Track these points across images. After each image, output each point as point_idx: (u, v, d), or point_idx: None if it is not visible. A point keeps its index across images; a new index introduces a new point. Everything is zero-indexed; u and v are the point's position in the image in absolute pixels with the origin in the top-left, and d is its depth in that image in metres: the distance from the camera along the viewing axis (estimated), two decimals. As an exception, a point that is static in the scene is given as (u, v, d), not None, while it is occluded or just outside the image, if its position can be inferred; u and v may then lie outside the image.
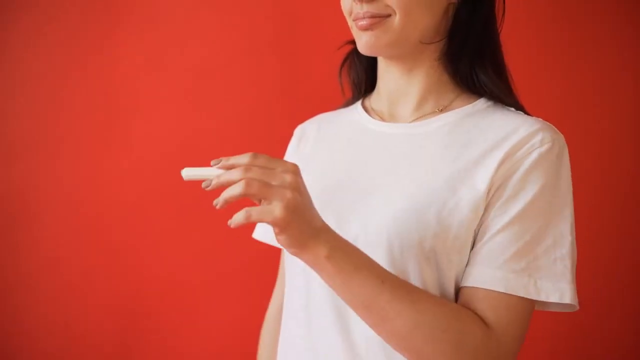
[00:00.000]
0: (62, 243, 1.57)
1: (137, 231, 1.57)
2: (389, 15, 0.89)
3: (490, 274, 0.83)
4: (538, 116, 0.93)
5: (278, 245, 1.11)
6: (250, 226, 1.17)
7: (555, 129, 0.89)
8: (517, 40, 1.52)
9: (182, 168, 0.79)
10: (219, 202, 0.73)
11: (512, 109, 0.95)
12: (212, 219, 1.54)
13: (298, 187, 0.73)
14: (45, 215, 1.57)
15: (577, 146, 1.50)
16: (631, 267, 1.54)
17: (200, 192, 1.53)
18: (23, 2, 1.56)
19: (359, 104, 1.07)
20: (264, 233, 1.15)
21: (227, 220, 1.46)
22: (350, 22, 0.94)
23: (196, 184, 1.53)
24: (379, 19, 0.89)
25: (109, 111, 1.58)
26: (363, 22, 0.90)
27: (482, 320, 0.82)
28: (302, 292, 0.96)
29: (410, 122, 0.97)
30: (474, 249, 0.86)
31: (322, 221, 0.78)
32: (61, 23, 1.57)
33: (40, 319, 1.57)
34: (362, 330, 0.88)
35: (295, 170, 0.75)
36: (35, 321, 1.57)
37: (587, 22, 1.54)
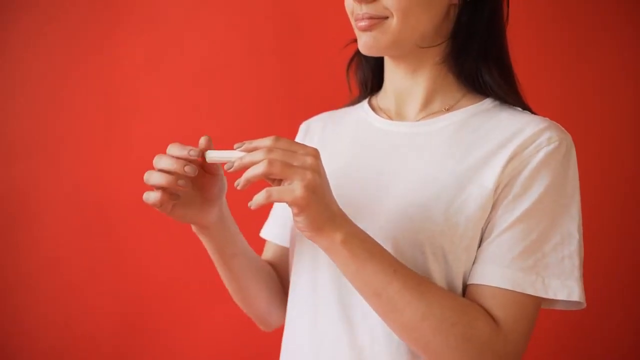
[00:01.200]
0: (62, 243, 1.57)
1: (137, 231, 1.57)
2: (387, 17, 0.90)
3: (498, 272, 0.83)
4: (541, 114, 0.94)
5: (284, 245, 1.11)
6: (252, 227, 1.17)
7: (563, 128, 0.90)
8: (517, 40, 1.53)
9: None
10: (240, 182, 0.75)
11: (519, 108, 0.95)
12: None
13: (318, 170, 0.75)
14: (45, 215, 1.57)
15: (576, 146, 1.51)
16: (632, 267, 1.55)
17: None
18: (23, 2, 1.56)
19: (365, 102, 1.08)
20: (270, 232, 1.15)
21: (234, 216, 1.45)
22: (352, 23, 0.95)
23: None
24: (378, 20, 0.90)
25: (109, 111, 1.58)
26: (362, 23, 0.91)
27: (490, 316, 0.82)
28: (309, 287, 0.96)
29: (416, 121, 0.98)
30: (481, 247, 0.86)
31: (339, 207, 0.80)
32: (61, 23, 1.57)
33: (40, 318, 1.57)
34: (366, 326, 0.89)
35: (315, 154, 0.76)
36: (35, 321, 1.57)
37: (587, 22, 1.55)
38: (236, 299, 1.08)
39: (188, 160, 0.81)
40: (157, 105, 1.59)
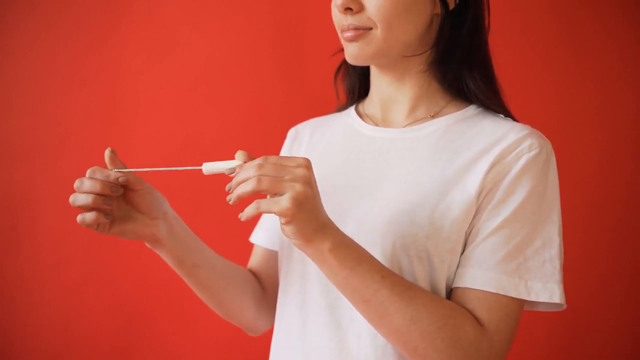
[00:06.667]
0: (62, 243, 1.58)
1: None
2: (371, 28, 0.92)
3: (483, 275, 0.86)
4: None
5: (271, 248, 1.13)
6: (248, 228, 1.19)
7: (543, 135, 0.92)
8: (516, 41, 1.54)
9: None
10: (232, 198, 0.78)
11: (502, 115, 0.97)
12: (212, 222, 1.55)
13: (309, 181, 0.77)
14: (46, 217, 1.58)
15: (576, 147, 1.52)
16: (628, 269, 1.56)
17: (201, 194, 1.55)
18: (23, 3, 1.57)
19: (352, 109, 1.10)
20: (258, 237, 1.17)
21: (227, 223, 1.46)
22: (339, 33, 0.97)
23: (202, 186, 1.53)
24: (362, 31, 0.92)
25: (109, 112, 1.60)
26: (348, 34, 0.93)
27: (476, 319, 0.84)
28: (298, 292, 0.99)
29: (402, 127, 1.00)
30: (466, 251, 0.89)
31: (328, 217, 0.82)
32: (62, 23, 1.58)
33: (40, 319, 1.59)
34: (354, 329, 0.91)
35: (307, 164, 0.78)
36: (35, 322, 1.59)
37: (586, 22, 1.55)
38: (211, 307, 1.09)
39: (109, 182, 0.83)
40: (158, 106, 1.60)
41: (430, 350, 0.82)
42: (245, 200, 0.77)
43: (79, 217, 0.84)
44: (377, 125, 1.03)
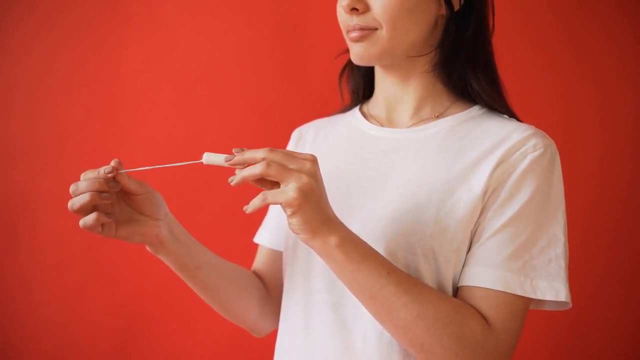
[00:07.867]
0: (62, 244, 1.58)
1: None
2: (376, 29, 0.93)
3: (489, 273, 0.86)
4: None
5: (276, 248, 1.13)
6: (251, 229, 1.19)
7: (547, 135, 0.93)
8: (516, 41, 1.54)
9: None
10: (235, 179, 0.78)
11: (506, 115, 0.98)
12: (212, 222, 1.55)
13: (315, 175, 0.78)
14: (46, 217, 1.58)
15: (576, 147, 1.52)
16: (628, 269, 1.56)
17: (201, 195, 1.55)
18: (23, 2, 1.57)
19: (356, 109, 1.10)
20: (262, 237, 1.17)
21: (228, 223, 1.44)
22: (344, 34, 0.97)
23: (202, 185, 1.52)
24: (368, 32, 0.93)
25: (110, 112, 1.60)
26: (354, 34, 0.94)
27: (482, 317, 0.85)
28: (303, 291, 0.99)
29: (407, 127, 1.00)
30: (471, 250, 0.89)
31: (333, 212, 0.82)
32: (62, 23, 1.58)
33: (40, 320, 1.59)
34: (358, 327, 0.91)
35: (313, 159, 0.79)
36: (35, 322, 1.59)
37: (586, 22, 1.55)
38: (214, 308, 1.08)
39: (103, 178, 0.82)
40: (158, 106, 1.60)
41: (437, 346, 0.82)
42: (244, 192, 0.76)
43: (80, 222, 0.83)
44: (381, 125, 1.03)
